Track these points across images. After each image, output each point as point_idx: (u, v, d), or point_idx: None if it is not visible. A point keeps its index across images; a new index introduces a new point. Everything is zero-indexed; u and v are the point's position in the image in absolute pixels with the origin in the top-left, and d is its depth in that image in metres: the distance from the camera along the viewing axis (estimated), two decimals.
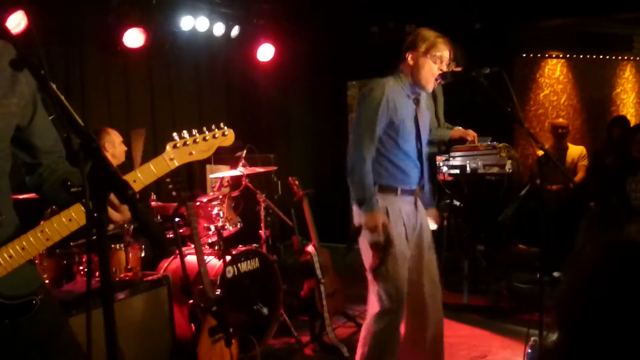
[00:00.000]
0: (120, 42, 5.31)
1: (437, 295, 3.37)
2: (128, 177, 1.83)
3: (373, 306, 3.24)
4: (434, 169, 4.22)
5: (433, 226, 3.53)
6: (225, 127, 2.03)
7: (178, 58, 5.99)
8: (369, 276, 3.24)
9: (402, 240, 3.20)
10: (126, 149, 4.55)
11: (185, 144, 1.93)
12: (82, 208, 1.70)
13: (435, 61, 3.18)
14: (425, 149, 3.35)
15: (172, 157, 1.91)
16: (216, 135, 1.99)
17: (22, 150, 1.88)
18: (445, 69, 3.25)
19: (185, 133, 1.96)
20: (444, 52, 3.19)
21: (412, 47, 3.21)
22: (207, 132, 1.99)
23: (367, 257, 3.24)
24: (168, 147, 1.92)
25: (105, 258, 1.36)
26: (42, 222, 1.78)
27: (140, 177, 1.87)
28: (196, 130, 1.98)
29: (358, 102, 3.31)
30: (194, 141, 1.94)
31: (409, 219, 3.26)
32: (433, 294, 3.35)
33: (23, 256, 1.73)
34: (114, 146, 4.42)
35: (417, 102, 3.30)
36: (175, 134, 1.95)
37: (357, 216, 3.21)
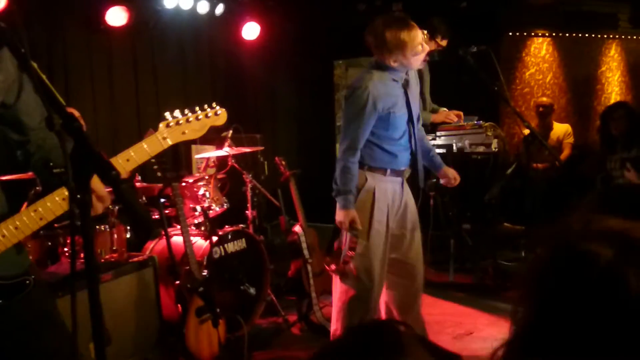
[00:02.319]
0: (103, 21, 5.22)
1: (419, 273, 3.41)
2: (121, 156, 1.83)
3: (344, 284, 3.29)
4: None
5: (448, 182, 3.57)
6: (218, 107, 2.03)
7: (162, 37, 5.91)
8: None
9: (382, 220, 3.24)
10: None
11: (178, 123, 1.93)
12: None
13: (418, 52, 3.15)
14: (417, 129, 3.35)
15: (166, 136, 1.90)
16: (209, 115, 2.00)
17: (10, 128, 1.87)
18: (428, 49, 3.24)
19: (178, 112, 1.94)
20: (419, 39, 3.15)
21: (388, 52, 3.11)
22: (199, 112, 1.98)
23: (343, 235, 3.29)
24: (161, 126, 1.91)
25: (90, 239, 1.35)
26: (35, 202, 1.78)
27: (133, 156, 1.86)
28: (188, 110, 1.97)
29: (345, 98, 3.29)
30: (187, 120, 1.94)
31: (394, 199, 3.29)
32: (415, 273, 3.38)
33: (16, 235, 1.72)
34: None
35: (406, 82, 3.27)
36: (167, 114, 1.94)
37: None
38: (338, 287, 3.35)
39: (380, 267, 3.25)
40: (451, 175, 3.55)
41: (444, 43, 4.59)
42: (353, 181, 3.18)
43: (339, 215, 3.19)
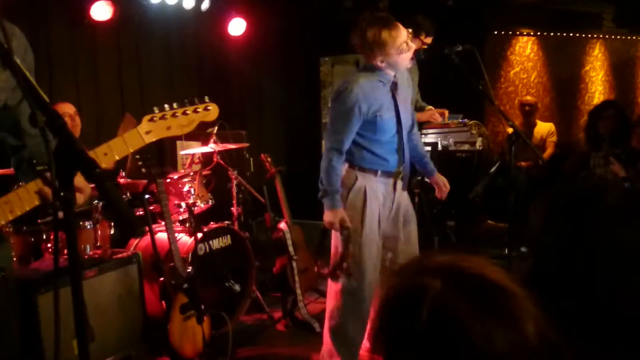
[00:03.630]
0: (87, 15, 5.17)
1: None
2: (99, 150, 1.76)
3: (336, 284, 3.30)
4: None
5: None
6: (208, 102, 1.92)
7: (147, 32, 5.87)
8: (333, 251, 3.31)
9: (373, 220, 3.24)
10: (77, 123, 4.41)
11: (163, 117, 1.82)
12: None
13: (403, 51, 3.15)
14: (405, 132, 3.34)
15: (148, 130, 1.79)
16: (198, 110, 1.89)
17: (9, 133, 1.84)
18: (414, 47, 3.24)
19: (166, 106, 1.84)
20: (403, 37, 3.15)
21: (378, 48, 3.10)
22: (188, 106, 1.87)
23: (335, 235, 3.29)
24: (144, 120, 1.80)
25: (73, 236, 1.34)
26: (6, 194, 1.73)
27: (112, 151, 1.78)
28: (177, 104, 1.86)
29: (331, 100, 3.28)
30: (173, 115, 1.83)
31: (385, 200, 3.29)
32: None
33: None
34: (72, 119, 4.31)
35: (394, 85, 3.25)
36: (155, 108, 1.83)
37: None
38: (331, 287, 3.35)
39: (373, 268, 3.25)
40: (441, 183, 3.58)
41: (428, 40, 4.59)
42: (339, 180, 3.17)
43: (328, 216, 3.17)
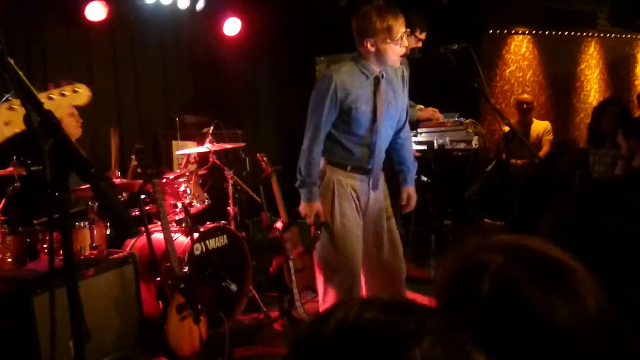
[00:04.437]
0: (82, 16, 5.16)
1: (399, 267, 3.42)
2: None
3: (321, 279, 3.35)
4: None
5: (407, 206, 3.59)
6: (76, 83, 1.68)
7: (142, 32, 5.86)
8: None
9: (351, 213, 3.25)
10: (80, 122, 4.40)
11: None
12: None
13: (397, 42, 3.13)
14: (388, 131, 3.33)
15: (8, 120, 1.52)
16: (65, 93, 1.65)
17: None
18: (407, 44, 3.22)
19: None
20: (403, 28, 3.14)
21: (370, 34, 3.08)
22: (53, 89, 1.62)
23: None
24: (2, 109, 1.53)
25: (68, 237, 1.34)
26: None
27: None
28: (35, 89, 1.53)
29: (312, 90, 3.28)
30: (10, 107, 1.55)
31: (360, 196, 3.29)
32: (394, 267, 3.40)
33: None
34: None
35: (377, 81, 3.22)
36: (9, 95, 1.54)
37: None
38: (319, 284, 3.39)
39: (352, 262, 3.26)
40: (405, 197, 3.54)
41: (422, 36, 4.60)
42: (318, 172, 3.21)
43: (304, 208, 3.23)
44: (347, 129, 3.20)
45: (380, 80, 3.22)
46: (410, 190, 3.56)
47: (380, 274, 3.39)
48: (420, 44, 4.61)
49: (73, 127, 4.26)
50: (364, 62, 3.16)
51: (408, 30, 3.24)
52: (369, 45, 3.11)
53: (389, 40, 3.08)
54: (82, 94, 1.67)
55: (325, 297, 3.34)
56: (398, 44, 3.11)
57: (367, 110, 3.20)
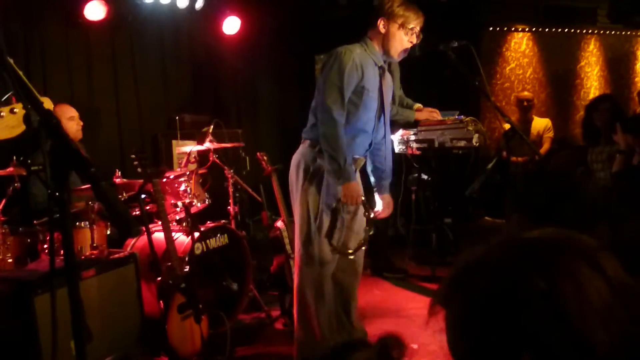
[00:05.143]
0: (81, 15, 5.16)
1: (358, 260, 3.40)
2: None
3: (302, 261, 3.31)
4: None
5: (381, 212, 3.50)
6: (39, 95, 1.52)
7: (141, 31, 5.85)
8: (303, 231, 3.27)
9: (331, 204, 3.21)
10: (81, 124, 4.40)
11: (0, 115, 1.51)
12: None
13: (407, 33, 3.14)
14: (387, 122, 3.31)
15: (9, 124, 1.49)
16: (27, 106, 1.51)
17: None
18: (415, 41, 3.22)
19: None
20: (418, 26, 3.15)
21: (387, 15, 3.10)
22: (14, 103, 1.54)
23: (304, 214, 3.24)
24: (4, 112, 1.50)
25: (69, 237, 1.33)
26: None
27: None
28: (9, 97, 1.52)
29: (323, 67, 3.16)
30: (11, 111, 1.53)
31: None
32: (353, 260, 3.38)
33: None
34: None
35: (382, 71, 3.23)
36: (9, 94, 1.51)
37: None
38: (296, 275, 3.40)
39: (329, 251, 3.22)
40: (386, 205, 3.47)
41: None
42: (344, 145, 3.02)
43: (349, 190, 3.01)
44: (356, 111, 3.12)
45: (385, 71, 3.23)
46: (388, 199, 3.51)
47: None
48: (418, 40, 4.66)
49: (73, 131, 4.28)
50: (372, 47, 3.15)
51: (420, 34, 3.23)
52: (381, 26, 3.12)
53: (401, 28, 3.09)
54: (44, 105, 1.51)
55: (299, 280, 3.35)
56: (408, 34, 3.11)
57: (375, 96, 3.18)
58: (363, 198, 3.12)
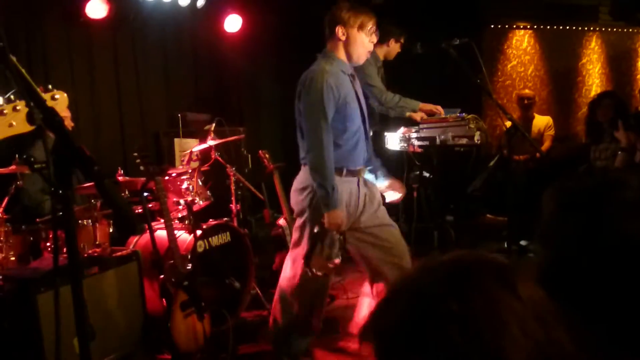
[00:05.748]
0: (82, 13, 5.16)
1: (396, 261, 3.33)
2: None
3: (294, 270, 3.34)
4: (379, 143, 4.28)
5: (396, 196, 3.54)
6: (55, 90, 1.64)
7: (143, 29, 5.85)
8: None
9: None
10: (72, 125, 4.39)
11: (1, 112, 1.53)
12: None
13: (367, 34, 3.16)
14: (368, 124, 3.34)
15: (12, 122, 1.51)
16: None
17: None
18: (375, 41, 3.24)
19: (0, 99, 1.55)
20: (374, 25, 3.17)
21: (343, 22, 3.13)
22: (18, 101, 1.55)
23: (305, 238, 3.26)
24: (7, 109, 1.51)
25: (72, 235, 1.34)
26: None
27: None
28: (14, 96, 1.54)
29: (299, 94, 3.18)
30: (14, 109, 1.53)
31: (351, 200, 3.22)
32: (392, 262, 3.33)
33: None
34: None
35: (353, 78, 3.25)
36: (12, 93, 1.54)
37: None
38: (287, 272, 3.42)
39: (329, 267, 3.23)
40: (393, 197, 3.51)
41: (402, 40, 4.88)
42: (332, 174, 3.06)
43: (334, 218, 3.05)
44: (342, 126, 3.15)
45: (355, 78, 3.26)
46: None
47: (373, 267, 3.38)
48: (399, 50, 4.95)
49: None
50: (337, 59, 3.17)
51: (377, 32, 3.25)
52: (340, 33, 3.14)
53: (360, 30, 3.12)
54: (60, 100, 1.62)
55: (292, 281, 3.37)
56: (368, 35, 3.13)
57: (355, 105, 3.21)
58: (345, 229, 3.13)
